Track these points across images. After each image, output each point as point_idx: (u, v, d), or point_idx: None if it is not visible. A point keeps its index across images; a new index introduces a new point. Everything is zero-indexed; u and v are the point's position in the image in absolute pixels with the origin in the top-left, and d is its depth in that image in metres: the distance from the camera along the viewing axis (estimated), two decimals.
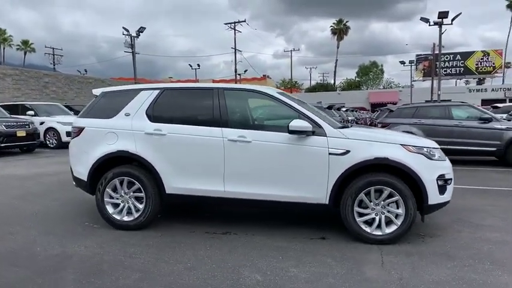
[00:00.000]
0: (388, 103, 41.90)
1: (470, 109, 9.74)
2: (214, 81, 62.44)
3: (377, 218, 3.91)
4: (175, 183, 4.21)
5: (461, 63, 52.52)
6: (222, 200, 4.18)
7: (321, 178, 3.93)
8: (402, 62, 50.27)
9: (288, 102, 4.21)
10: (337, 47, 60.57)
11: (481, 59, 51.93)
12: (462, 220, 4.68)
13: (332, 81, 63.96)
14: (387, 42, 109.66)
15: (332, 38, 60.70)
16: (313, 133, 3.95)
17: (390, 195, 3.86)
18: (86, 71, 46.34)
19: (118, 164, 4.40)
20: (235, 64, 40.96)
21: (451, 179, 4.02)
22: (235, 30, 40.74)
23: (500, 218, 4.80)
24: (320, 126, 3.99)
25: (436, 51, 46.48)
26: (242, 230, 4.34)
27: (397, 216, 3.87)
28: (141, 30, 28.27)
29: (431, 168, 3.88)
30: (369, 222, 3.93)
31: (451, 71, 53.85)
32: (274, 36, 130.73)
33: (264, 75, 67.57)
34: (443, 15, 22.41)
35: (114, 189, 4.37)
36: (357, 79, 64.56)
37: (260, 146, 4.04)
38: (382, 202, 3.88)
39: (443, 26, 23.01)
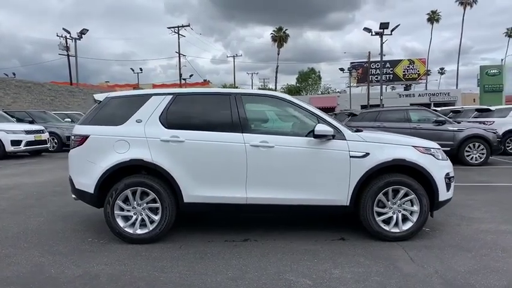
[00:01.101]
0: (328, 108, 44.03)
1: (426, 113, 10.62)
2: (154, 86, 60.55)
3: (394, 216, 4.13)
4: (194, 191, 4.06)
5: (391, 71, 56.79)
6: (244, 206, 4.12)
7: (342, 180, 4.06)
8: (341, 69, 53.11)
9: (306, 107, 4.30)
10: (278, 54, 62.20)
11: (408, 66, 56.69)
12: (454, 214, 5.11)
13: (272, 87, 65.46)
14: (320, 50, 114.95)
15: (272, 44, 62.21)
16: (333, 137, 4.08)
17: (406, 194, 4.10)
18: (14, 75, 42.23)
19: (128, 174, 4.14)
20: (180, 68, 40.19)
21: (453, 177, 4.38)
22: (179, 34, 40.01)
23: (483, 211, 5.32)
24: (339, 130, 4.12)
25: (372, 59, 49.77)
26: (260, 236, 4.32)
27: (412, 213, 4.13)
28: (83, 32, 26.56)
29: (439, 167, 4.20)
30: (386, 221, 4.14)
31: (379, 77, 58.08)
32: (212, 42, 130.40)
33: (205, 80, 67.11)
34: (384, 26, 24.22)
35: (125, 201, 4.11)
36: (297, 85, 66.78)
37: (283, 151, 4.06)
38: (399, 201, 4.11)
39: (379, 35, 24.84)
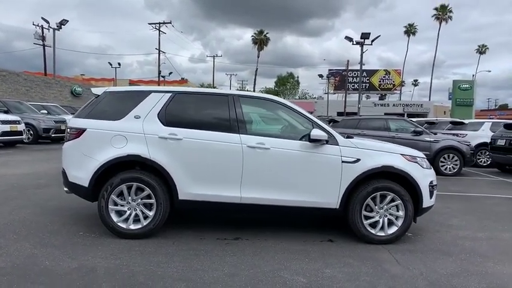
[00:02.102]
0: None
1: (404, 123, 11.04)
2: (131, 82, 59.48)
3: (380, 221, 4.33)
4: (189, 189, 4.12)
5: (367, 80, 58.17)
6: (238, 206, 4.22)
7: (333, 184, 4.22)
8: (320, 76, 53.96)
9: (301, 111, 4.45)
10: (258, 57, 62.48)
11: (384, 76, 58.29)
12: (433, 221, 5.38)
13: (251, 89, 65.75)
14: (298, 55, 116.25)
15: (253, 47, 62.47)
16: (327, 142, 4.24)
17: (392, 200, 4.31)
18: None
19: (122, 169, 4.15)
20: (159, 65, 39.72)
21: (436, 185, 4.64)
22: (159, 31, 39.55)
23: (460, 218, 5.64)
24: (333, 136, 4.29)
25: (351, 67, 50.84)
26: (251, 235, 4.42)
27: (397, 218, 4.34)
28: (63, 22, 25.79)
29: (424, 175, 4.44)
30: (373, 225, 4.33)
31: (358, 86, 59.39)
32: (190, 40, 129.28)
33: (182, 78, 66.57)
34: (365, 36, 24.91)
35: (119, 196, 4.12)
36: (275, 88, 67.33)
37: (278, 153, 4.19)
38: (385, 206, 4.32)
39: (356, 44, 25.54)
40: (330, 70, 58.80)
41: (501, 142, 10.91)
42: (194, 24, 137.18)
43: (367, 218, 4.31)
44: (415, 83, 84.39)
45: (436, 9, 52.27)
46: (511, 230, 5.09)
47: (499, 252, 4.18)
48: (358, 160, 4.24)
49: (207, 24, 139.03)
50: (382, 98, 59.76)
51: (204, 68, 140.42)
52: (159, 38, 38.96)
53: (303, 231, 4.63)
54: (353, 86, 57.73)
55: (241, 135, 4.19)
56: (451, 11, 51.73)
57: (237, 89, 70.77)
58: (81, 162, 4.13)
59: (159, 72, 39.35)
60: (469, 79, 41.89)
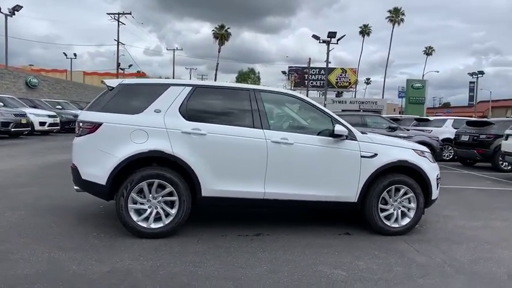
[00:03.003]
0: None
1: (380, 119, 11.50)
2: (85, 74, 56.60)
3: (395, 213, 4.50)
4: (212, 185, 4.03)
5: (325, 77, 59.74)
6: (261, 201, 4.19)
7: (353, 178, 4.32)
8: (284, 72, 54.57)
9: (320, 107, 4.50)
10: (219, 51, 61.90)
11: (340, 75, 60.18)
12: (430, 212, 5.65)
13: None
14: (256, 51, 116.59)
15: (214, 42, 61.77)
16: (346, 137, 4.33)
17: (405, 193, 4.49)
18: None
19: (140, 166, 3.96)
20: (118, 57, 38.12)
21: (440, 178, 4.90)
22: (119, 21, 37.91)
23: (450, 209, 5.99)
24: (351, 131, 4.39)
25: (304, 65, 51.78)
26: (271, 230, 4.41)
27: (409, 210, 4.53)
28: (16, 8, 23.83)
29: (432, 168, 4.67)
30: (388, 217, 4.49)
31: (316, 83, 60.79)
32: (146, 32, 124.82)
33: (138, 71, 64.42)
34: (331, 35, 25.57)
35: (139, 194, 3.93)
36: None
37: (301, 148, 4.21)
38: (399, 199, 4.49)
39: (317, 43, 26.23)
40: (290, 67, 59.71)
41: (465, 138, 11.71)
42: (149, 16, 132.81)
43: (382, 210, 4.46)
44: (368, 82, 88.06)
45: (389, 11, 54.78)
46: (499, 219, 5.50)
47: (500, 239, 4.51)
48: (375, 155, 4.36)
49: (163, 16, 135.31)
50: (338, 95, 61.60)
51: (160, 61, 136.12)
52: (118, 29, 37.36)
53: (318, 225, 4.70)
54: (311, 83, 59.16)
55: (264, 130, 4.15)
56: (403, 14, 54.51)
57: None
58: (97, 159, 3.89)
59: (118, 64, 37.77)
60: (422, 79, 44.46)
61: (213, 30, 61.60)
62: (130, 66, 43.42)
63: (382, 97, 61.16)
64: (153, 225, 3.94)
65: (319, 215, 5.26)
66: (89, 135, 3.92)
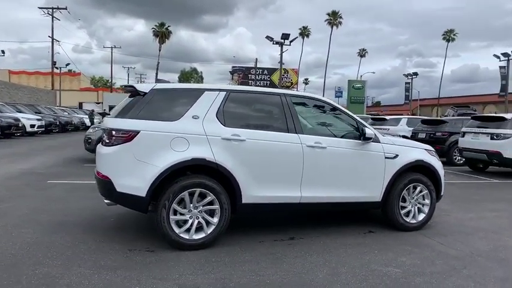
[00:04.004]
0: None
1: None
2: (11, 73, 51.61)
3: (412, 209, 4.79)
4: (253, 192, 3.98)
5: (268, 78, 60.89)
6: (297, 205, 4.22)
7: (379, 179, 4.54)
8: (231, 72, 54.53)
9: (346, 111, 4.64)
10: (159, 50, 60.04)
11: (283, 75, 61.69)
12: None
13: (148, 83, 63.05)
14: (194, 50, 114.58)
15: (154, 40, 59.84)
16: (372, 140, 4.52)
17: (421, 190, 4.81)
18: None
19: (179, 175, 3.79)
20: (52, 56, 35.34)
21: (444, 175, 5.31)
22: (53, 16, 35.14)
23: (444, 203, 6.38)
24: (375, 134, 4.59)
25: (245, 65, 52.29)
26: (301, 234, 4.46)
27: (423, 206, 4.86)
28: None
29: (440, 167, 5.06)
30: (406, 214, 4.77)
31: (260, 83, 61.78)
32: (75, 28, 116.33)
33: (70, 70, 60.40)
34: (285, 36, 26.11)
35: (179, 204, 3.76)
36: None
37: (333, 152, 4.32)
38: (416, 196, 4.80)
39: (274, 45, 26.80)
40: (233, 67, 59.89)
41: (422, 135, 12.70)
42: (79, 11, 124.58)
43: (402, 208, 4.73)
44: (306, 82, 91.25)
45: (328, 14, 57.29)
46: (487, 210, 6.09)
47: (500, 228, 5.01)
48: (397, 156, 4.61)
49: (94, 12, 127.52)
50: None
51: (90, 59, 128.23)
52: (52, 25, 34.59)
53: (340, 226, 4.83)
54: (255, 83, 59.94)
55: (299, 134, 4.19)
56: (341, 17, 57.31)
57: (138, 82, 67.07)
58: (135, 169, 3.64)
59: (54, 63, 34.97)
60: (361, 79, 47.19)
61: (152, 28, 59.63)
62: (67, 65, 40.43)
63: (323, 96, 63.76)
64: (195, 236, 3.80)
65: (334, 215, 5.41)
66: (124, 145, 3.65)
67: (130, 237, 4.13)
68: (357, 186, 4.46)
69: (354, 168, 4.44)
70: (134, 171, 3.64)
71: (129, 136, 3.65)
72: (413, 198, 4.79)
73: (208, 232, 3.83)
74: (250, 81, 60.05)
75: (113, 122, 3.80)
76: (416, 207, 4.81)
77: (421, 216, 4.83)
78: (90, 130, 10.36)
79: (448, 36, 56.05)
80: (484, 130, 9.85)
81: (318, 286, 3.13)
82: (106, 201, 3.85)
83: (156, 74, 61.01)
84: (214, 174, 3.86)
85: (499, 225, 5.20)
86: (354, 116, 4.66)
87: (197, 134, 3.81)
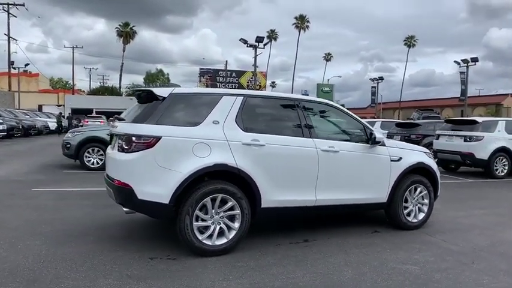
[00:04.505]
0: None
1: None
2: None
3: (414, 209, 5.03)
4: (271, 196, 4.02)
5: (236, 80, 61.01)
6: (312, 208, 4.31)
7: (385, 181, 4.73)
8: (200, 75, 54.09)
9: (353, 115, 4.80)
10: (123, 50, 58.50)
11: (251, 78, 61.97)
12: None
13: (112, 85, 61.64)
14: (157, 51, 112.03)
15: (118, 40, 58.24)
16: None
17: (420, 191, 5.05)
18: None
19: (199, 181, 3.77)
20: (9, 55, 33.47)
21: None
22: (9, 13, 33.30)
23: (435, 202, 6.78)
24: (382, 138, 4.78)
25: (207, 66, 52.13)
26: (313, 235, 4.55)
27: (423, 205, 5.11)
28: None
29: (437, 168, 5.34)
30: (408, 214, 5.00)
31: (228, 86, 61.79)
32: (28, 27, 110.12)
33: (25, 71, 57.42)
34: (259, 39, 26.25)
35: (201, 210, 3.73)
36: (144, 85, 64.16)
37: (345, 155, 4.45)
38: (416, 197, 5.04)
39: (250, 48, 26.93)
40: (201, 69, 59.52)
41: (397, 138, 13.24)
42: (33, 8, 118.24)
43: (405, 208, 4.94)
44: (273, 85, 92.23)
45: (296, 18, 58.36)
46: (474, 208, 6.48)
47: (491, 225, 5.36)
48: (401, 158, 4.83)
49: (49, 9, 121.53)
50: None
51: (46, 59, 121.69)
52: (8, 22, 32.74)
53: (347, 227, 4.98)
54: (224, 85, 59.98)
55: (314, 139, 4.29)
56: (308, 21, 58.56)
57: (101, 84, 64.85)
58: (158, 176, 3.58)
59: (12, 63, 33.10)
60: (328, 83, 48.42)
61: (116, 27, 57.99)
62: (27, 65, 38.39)
63: None
64: (217, 242, 3.78)
65: (336, 217, 5.55)
66: (146, 151, 3.57)
67: (145, 245, 4.04)
68: (366, 188, 4.62)
69: (364, 171, 4.60)
70: (156, 178, 3.58)
71: (150, 142, 3.58)
72: (414, 198, 5.02)
73: (230, 237, 3.83)
74: (218, 84, 60.09)
75: (132, 128, 3.70)
76: (417, 207, 5.05)
77: (421, 216, 5.08)
78: (69, 135, 9.94)
79: (409, 42, 58.74)
80: (457, 133, 10.45)
81: (349, 286, 3.22)
82: (125, 209, 3.75)
83: (120, 75, 59.51)
84: (234, 180, 3.86)
85: (489, 222, 5.55)
86: (361, 120, 4.83)
87: (218, 139, 3.80)
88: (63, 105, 43.42)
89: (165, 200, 3.57)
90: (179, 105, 3.85)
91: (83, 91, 62.91)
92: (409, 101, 65.33)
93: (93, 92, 58.97)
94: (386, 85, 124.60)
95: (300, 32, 58.42)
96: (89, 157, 9.58)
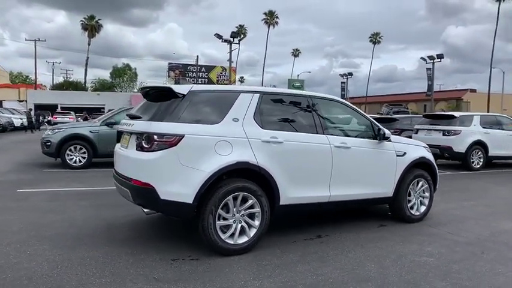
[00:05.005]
0: None
1: None
2: None
3: (416, 202, 5.20)
4: (289, 193, 4.03)
5: (206, 75, 60.31)
6: (326, 204, 4.36)
7: (392, 175, 4.85)
8: (169, 69, 53.02)
9: (361, 112, 4.87)
10: (89, 44, 56.30)
11: (221, 73, 61.59)
12: None
13: (76, 79, 59.27)
14: (121, 45, 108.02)
15: (83, 33, 55.99)
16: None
17: (422, 184, 5.23)
18: None
19: (222, 179, 3.71)
20: None
21: None
22: None
23: None
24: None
25: (173, 61, 51.29)
26: (324, 231, 4.60)
27: (424, 198, 5.30)
28: None
29: (435, 163, 5.54)
30: (411, 207, 5.16)
31: (198, 81, 61.01)
32: None
33: None
34: (234, 35, 25.99)
35: (223, 209, 3.68)
36: (111, 80, 62.11)
37: (356, 151, 4.53)
38: (418, 190, 5.21)
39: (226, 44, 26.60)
40: (170, 63, 58.30)
41: None
42: None
43: (408, 201, 5.10)
44: (242, 80, 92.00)
45: (265, 13, 58.38)
46: (462, 200, 6.77)
47: (484, 215, 5.64)
48: (405, 153, 4.97)
49: (4, 0, 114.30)
50: None
51: (3, 52, 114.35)
52: None
53: (353, 221, 5.07)
54: (193, 81, 59.22)
55: (327, 135, 4.33)
56: (277, 17, 58.74)
57: (64, 79, 62.08)
58: (181, 175, 3.48)
59: None
60: (299, 79, 48.88)
61: (81, 20, 55.70)
62: None
63: None
64: (239, 241, 3.75)
65: (340, 212, 5.64)
66: (169, 150, 3.46)
67: (160, 246, 3.93)
68: (375, 183, 4.73)
69: (373, 166, 4.70)
70: (180, 177, 3.48)
71: (173, 141, 3.47)
72: (416, 192, 5.18)
73: (251, 235, 3.80)
74: (188, 79, 59.20)
75: (153, 126, 3.56)
76: (418, 200, 5.23)
77: (423, 208, 5.26)
78: (49, 132, 9.47)
79: (375, 38, 60.36)
80: (436, 127, 10.89)
81: (377, 280, 3.29)
82: (145, 210, 3.62)
83: (85, 69, 57.19)
84: (253, 177, 3.83)
85: (480, 212, 5.84)
86: (368, 116, 4.92)
87: (239, 137, 3.75)
88: (26, 101, 41.28)
89: (189, 199, 3.49)
90: (199, 103, 3.76)
91: (45, 86, 59.94)
92: (375, 96, 67.33)
93: (57, 87, 56.49)
94: (351, 81, 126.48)
95: (269, 27, 58.52)
96: (71, 155, 9.18)
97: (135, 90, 62.79)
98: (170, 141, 3.47)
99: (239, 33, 66.07)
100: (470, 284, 3.25)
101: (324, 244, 4.17)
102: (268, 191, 3.90)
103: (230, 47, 27.38)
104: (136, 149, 3.65)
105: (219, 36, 26.91)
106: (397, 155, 4.89)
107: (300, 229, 4.64)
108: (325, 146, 4.27)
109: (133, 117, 4.01)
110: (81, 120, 26.39)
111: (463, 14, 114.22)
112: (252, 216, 3.84)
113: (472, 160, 10.51)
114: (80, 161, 9.23)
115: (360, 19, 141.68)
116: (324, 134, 4.32)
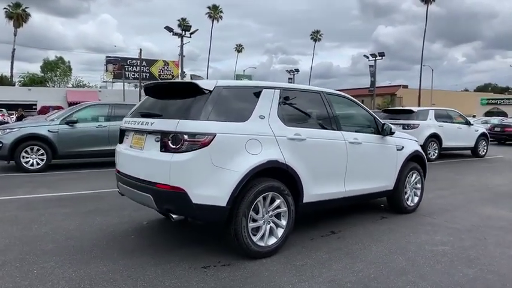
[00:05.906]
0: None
1: None
2: None
3: (411, 194, 5.44)
4: (312, 190, 3.98)
5: (147, 69, 58.09)
6: (342, 200, 4.38)
7: (394, 169, 5.02)
8: (107, 63, 50.14)
9: (366, 108, 4.96)
10: (15, 35, 51.35)
11: (163, 67, 59.75)
12: None
13: (1, 74, 53.82)
14: (48, 37, 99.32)
15: (7, 22, 50.91)
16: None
17: (415, 176, 5.48)
18: None
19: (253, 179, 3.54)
20: None
21: None
22: None
23: None
24: None
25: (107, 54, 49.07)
26: (335, 226, 4.64)
27: (417, 190, 5.56)
28: None
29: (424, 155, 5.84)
30: (407, 198, 5.39)
31: (138, 75, 58.60)
32: None
33: None
34: (186, 28, 25.07)
35: (253, 210, 3.53)
36: (43, 74, 57.12)
37: (366, 146, 4.60)
38: (413, 182, 5.45)
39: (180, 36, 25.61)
40: (107, 57, 55.24)
41: None
42: None
43: (404, 193, 5.32)
44: (183, 75, 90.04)
45: (209, 7, 57.50)
46: (440, 189, 7.15)
47: (467, 203, 6.06)
48: (403, 147, 5.16)
49: None
50: None
51: None
52: None
53: (356, 215, 5.17)
54: (133, 75, 56.97)
55: (342, 132, 4.34)
56: (221, 11, 58.15)
57: None
58: (214, 177, 3.25)
59: None
60: (245, 74, 49.01)
61: (5, 8, 50.54)
62: None
63: None
64: (269, 242, 3.62)
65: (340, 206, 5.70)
66: (201, 150, 3.21)
67: (182, 253, 3.67)
68: (381, 177, 4.85)
69: (379, 161, 4.82)
70: (213, 179, 3.26)
71: (205, 140, 3.23)
72: (411, 184, 5.42)
73: (279, 236, 3.69)
74: (127, 73, 56.72)
75: (181, 125, 3.25)
76: (412, 191, 5.47)
77: (416, 199, 5.52)
78: None
79: (315, 36, 62.43)
80: (396, 121, 11.50)
81: (414, 272, 3.36)
82: (174, 216, 3.32)
83: (12, 62, 52.06)
84: (280, 176, 3.71)
85: (461, 200, 6.28)
86: (371, 111, 5.02)
87: (267, 135, 3.61)
88: None
89: (223, 202, 3.28)
90: (226, 99, 3.53)
91: None
92: None
93: None
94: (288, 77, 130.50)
95: (213, 22, 57.79)
96: (27, 157, 8.27)
97: (70, 85, 58.53)
98: (202, 141, 3.23)
99: (183, 25, 64.60)
100: (495, 269, 3.46)
101: (343, 240, 4.18)
102: (293, 190, 3.81)
103: (181, 41, 26.53)
104: (161, 150, 3.34)
105: (169, 30, 25.93)
106: (397, 149, 5.06)
107: (311, 225, 4.61)
108: (341, 142, 4.27)
109: (149, 115, 3.67)
110: (15, 118, 23.73)
111: (392, 15, 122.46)
112: (278, 216, 3.73)
113: (428, 152, 11.28)
114: (38, 164, 8.36)
115: (297, 16, 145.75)
116: (338, 130, 4.33)
